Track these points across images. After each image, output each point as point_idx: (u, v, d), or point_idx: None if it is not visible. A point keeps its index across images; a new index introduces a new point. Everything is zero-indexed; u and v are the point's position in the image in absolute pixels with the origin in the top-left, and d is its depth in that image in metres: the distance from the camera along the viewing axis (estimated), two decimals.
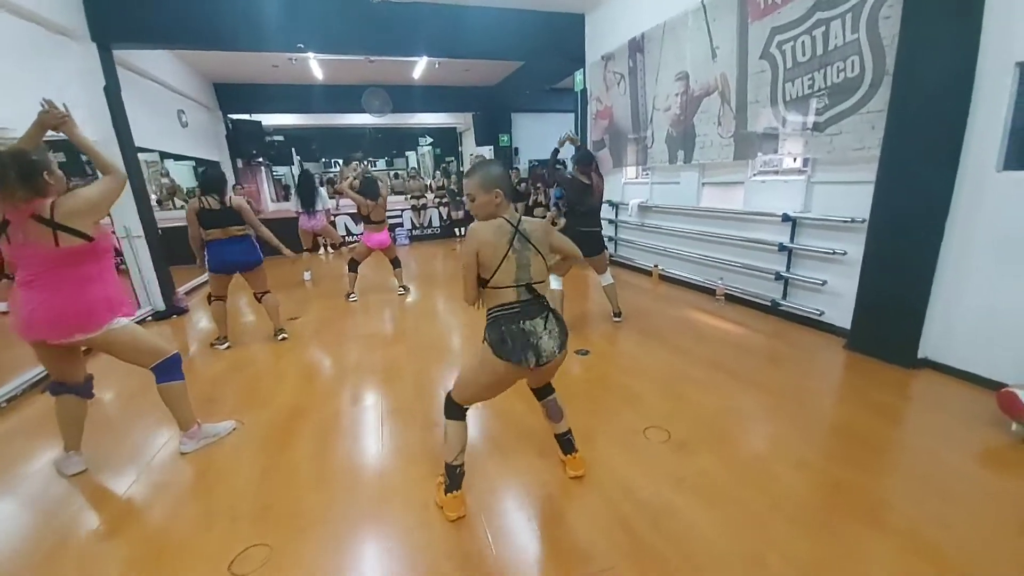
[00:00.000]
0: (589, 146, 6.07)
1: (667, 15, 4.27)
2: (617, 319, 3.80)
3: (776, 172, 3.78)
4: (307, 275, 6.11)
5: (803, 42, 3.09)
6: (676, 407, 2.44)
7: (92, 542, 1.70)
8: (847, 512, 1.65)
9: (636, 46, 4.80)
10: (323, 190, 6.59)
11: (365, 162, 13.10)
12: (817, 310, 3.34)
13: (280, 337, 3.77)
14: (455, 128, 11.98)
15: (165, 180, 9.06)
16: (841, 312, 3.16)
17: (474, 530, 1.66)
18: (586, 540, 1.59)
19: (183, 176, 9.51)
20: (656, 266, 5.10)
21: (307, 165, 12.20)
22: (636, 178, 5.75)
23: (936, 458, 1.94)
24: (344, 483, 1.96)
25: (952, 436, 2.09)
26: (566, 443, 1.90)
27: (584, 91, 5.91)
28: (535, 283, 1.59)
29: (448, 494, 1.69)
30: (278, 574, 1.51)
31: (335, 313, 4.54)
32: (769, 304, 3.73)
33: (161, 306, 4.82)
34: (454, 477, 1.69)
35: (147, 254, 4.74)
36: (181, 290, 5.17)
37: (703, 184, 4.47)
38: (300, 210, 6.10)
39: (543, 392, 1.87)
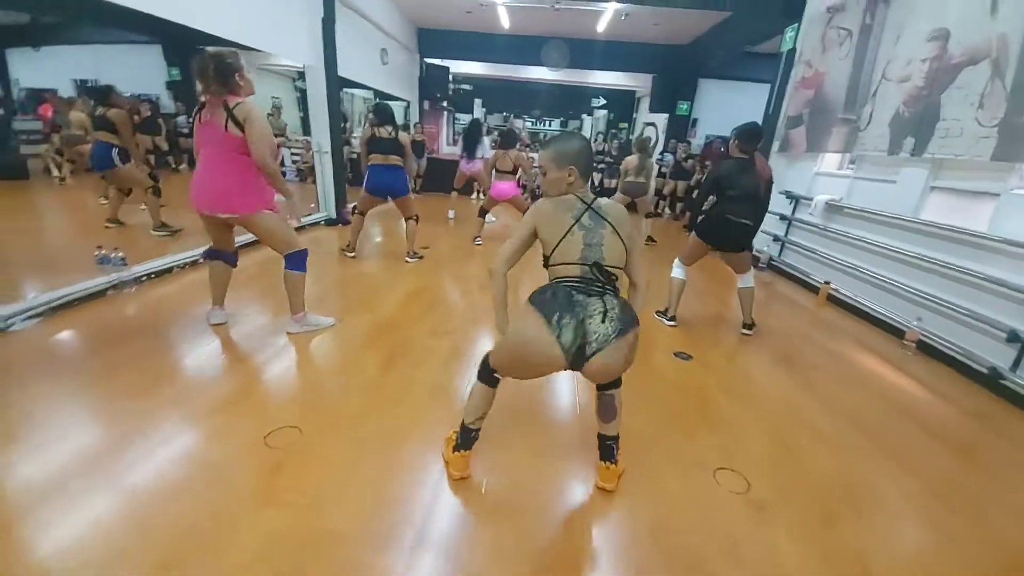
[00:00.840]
0: (782, 122, 4.97)
1: None
2: (747, 332, 3.13)
3: None
4: (451, 213, 6.58)
5: None
6: (774, 455, 1.90)
7: (205, 373, 2.13)
8: None
9: None
10: (486, 140, 6.85)
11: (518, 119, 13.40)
12: None
13: (409, 258, 4.21)
14: (633, 92, 11.12)
15: (372, 116, 10.51)
16: None
17: (469, 497, 1.55)
18: (577, 563, 1.35)
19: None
20: (827, 283, 4.03)
21: (490, 117, 12.91)
22: (839, 169, 4.53)
23: None
24: (387, 400, 2.04)
25: None
26: (606, 449, 1.61)
27: (792, 51, 4.77)
28: (608, 266, 1.36)
29: (456, 452, 1.60)
30: (297, 456, 1.65)
31: (460, 252, 4.79)
32: (986, 372, 2.62)
33: (333, 215, 5.72)
34: (466, 438, 1.58)
35: (330, 168, 5.60)
36: (349, 206, 6.02)
37: (931, 188, 3.27)
38: (462, 154, 6.46)
39: (605, 385, 1.58)
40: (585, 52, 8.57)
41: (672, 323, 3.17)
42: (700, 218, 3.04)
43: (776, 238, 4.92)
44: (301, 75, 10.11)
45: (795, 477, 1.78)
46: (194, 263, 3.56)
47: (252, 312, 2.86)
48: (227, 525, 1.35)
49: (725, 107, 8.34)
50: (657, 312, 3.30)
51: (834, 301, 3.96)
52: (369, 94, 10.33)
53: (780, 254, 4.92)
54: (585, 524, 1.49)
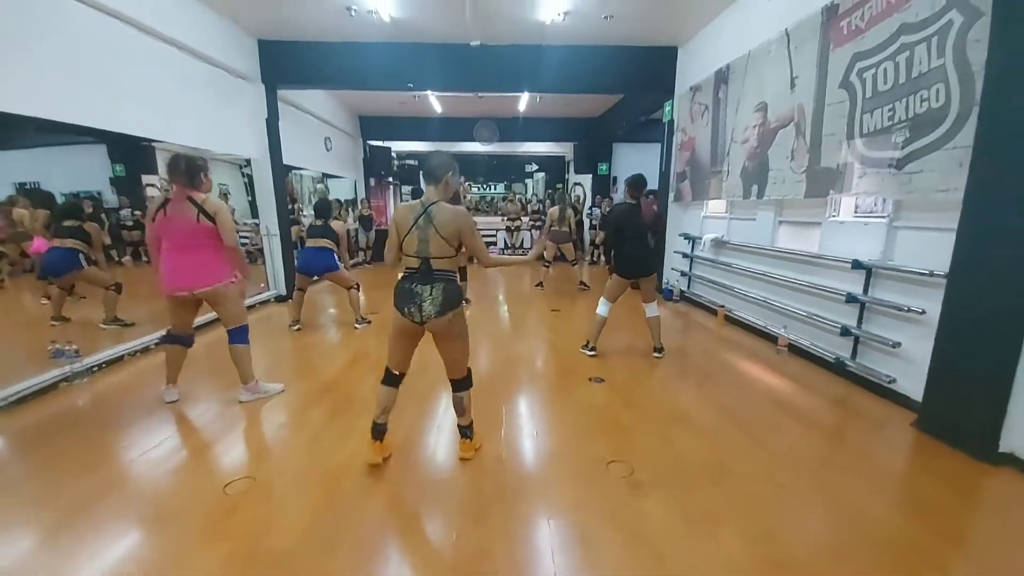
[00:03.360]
0: (673, 178, 5.89)
1: (752, 44, 4.07)
2: (657, 355, 3.65)
3: (863, 214, 3.30)
4: None
5: (885, 69, 2.74)
6: (659, 448, 2.33)
7: (164, 442, 2.33)
8: None
9: (722, 77, 4.61)
10: None
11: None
12: (887, 376, 2.82)
13: (358, 325, 4.54)
14: (563, 156, 12.41)
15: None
16: (915, 382, 2.63)
17: (398, 515, 1.86)
18: (478, 543, 1.68)
19: (344, 191, 11.36)
20: (723, 306, 4.70)
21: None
22: (723, 212, 5.39)
23: None
24: (326, 445, 2.33)
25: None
26: (462, 432, 2.22)
27: (671, 122, 5.79)
28: (433, 258, 1.92)
29: (373, 442, 2.11)
30: (251, 500, 1.91)
31: None
32: (834, 362, 3.23)
33: (283, 292, 5.98)
34: (375, 429, 2.10)
35: (279, 249, 5.95)
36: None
37: (780, 222, 4.07)
38: None
39: (455, 386, 2.17)
40: (512, 127, 9.67)
41: (592, 353, 3.64)
42: (614, 261, 3.60)
43: (683, 273, 5.66)
44: (248, 162, 10.65)
45: (671, 462, 2.20)
46: (145, 350, 3.74)
47: (205, 387, 3.08)
48: (186, 556, 1.59)
49: (637, 165, 9.49)
50: (582, 347, 3.77)
51: (731, 321, 4.61)
52: (317, 174, 10.98)
53: (689, 287, 5.64)
54: (494, 510, 1.82)
